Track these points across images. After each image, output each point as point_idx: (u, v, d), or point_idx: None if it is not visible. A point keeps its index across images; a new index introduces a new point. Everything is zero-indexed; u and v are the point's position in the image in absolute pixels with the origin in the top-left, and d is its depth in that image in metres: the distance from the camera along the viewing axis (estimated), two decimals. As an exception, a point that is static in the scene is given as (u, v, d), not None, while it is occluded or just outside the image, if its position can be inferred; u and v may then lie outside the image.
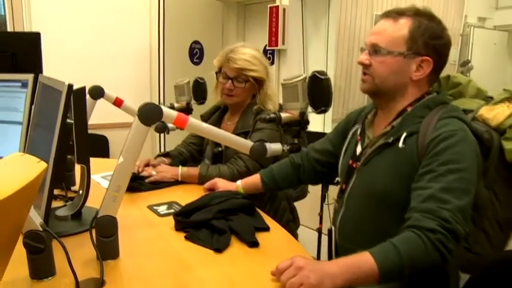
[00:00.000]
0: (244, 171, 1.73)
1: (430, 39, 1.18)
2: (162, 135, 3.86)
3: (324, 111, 1.50)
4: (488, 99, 1.33)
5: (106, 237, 1.06)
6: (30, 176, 0.63)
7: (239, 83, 1.80)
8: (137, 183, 1.67)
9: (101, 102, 2.16)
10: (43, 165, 0.67)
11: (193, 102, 2.23)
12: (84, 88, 1.17)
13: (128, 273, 1.05)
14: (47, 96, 1.22)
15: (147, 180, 1.71)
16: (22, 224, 0.72)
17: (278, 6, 3.36)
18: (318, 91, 1.47)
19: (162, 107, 1.14)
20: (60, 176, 1.50)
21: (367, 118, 1.37)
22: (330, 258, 1.46)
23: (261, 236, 1.23)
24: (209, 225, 1.25)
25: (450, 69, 3.73)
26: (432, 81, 1.25)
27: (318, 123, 3.36)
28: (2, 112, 1.51)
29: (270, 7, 3.44)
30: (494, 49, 4.41)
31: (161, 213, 1.42)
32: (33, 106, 1.33)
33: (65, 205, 1.39)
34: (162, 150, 3.88)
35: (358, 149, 1.32)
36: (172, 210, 1.42)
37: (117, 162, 1.08)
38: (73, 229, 1.23)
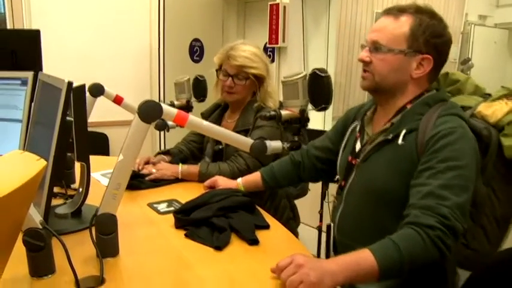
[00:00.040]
0: (244, 169, 1.73)
1: (431, 37, 1.18)
2: (162, 133, 3.86)
3: (324, 109, 1.50)
4: (486, 96, 1.34)
5: (106, 234, 1.06)
6: (30, 174, 0.62)
7: (239, 80, 1.80)
8: (137, 181, 1.66)
9: (100, 99, 2.16)
10: (43, 162, 0.67)
11: (193, 100, 2.23)
12: (84, 86, 1.17)
13: (128, 271, 1.05)
14: (46, 94, 1.22)
15: (147, 178, 1.71)
16: (22, 221, 0.72)
17: (278, 3, 3.36)
18: (318, 88, 1.47)
19: (162, 104, 1.14)
20: (60, 173, 1.50)
21: (366, 115, 1.37)
22: (327, 253, 1.46)
23: (261, 234, 1.22)
24: (209, 223, 1.25)
25: (451, 67, 3.74)
26: (432, 79, 1.25)
27: (318, 120, 3.36)
28: (2, 110, 1.51)
29: (270, 4, 3.44)
30: (494, 47, 4.41)
31: (161, 211, 1.42)
32: (32, 104, 1.33)
33: (64, 203, 1.39)
34: (162, 148, 3.87)
35: (358, 146, 1.33)
36: (172, 208, 1.42)
37: (117, 160, 1.08)
38: (73, 227, 1.23)
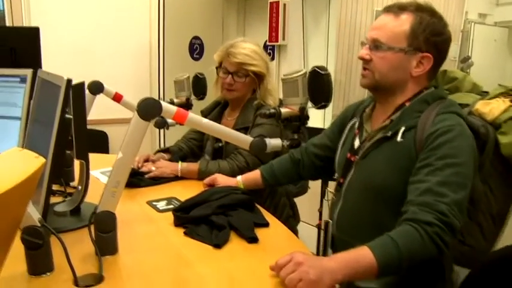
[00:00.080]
0: (244, 166, 1.73)
1: (431, 36, 1.18)
2: (161, 130, 3.86)
3: (324, 107, 1.50)
4: (483, 94, 1.35)
5: (105, 232, 1.06)
6: (29, 171, 0.62)
7: (239, 77, 1.80)
8: (136, 179, 1.66)
9: (100, 97, 2.16)
10: (41, 160, 0.67)
11: (193, 97, 2.22)
12: (83, 83, 1.17)
13: (127, 268, 1.05)
14: (45, 91, 1.22)
15: (146, 176, 1.71)
16: (20, 219, 0.72)
17: (278, 1, 3.36)
18: (318, 86, 1.47)
19: (162, 102, 1.14)
20: (59, 171, 1.49)
21: (365, 112, 1.37)
22: (324, 250, 1.46)
23: (260, 232, 1.22)
24: (208, 220, 1.24)
25: (450, 65, 3.73)
26: (431, 77, 1.26)
27: (318, 118, 3.36)
28: (1, 107, 1.50)
29: (270, 2, 3.43)
30: (494, 45, 4.40)
31: (160, 208, 1.41)
32: (32, 101, 1.32)
33: (63, 201, 1.39)
34: (162, 145, 3.88)
35: (356, 143, 1.33)
36: (171, 206, 1.42)
37: (117, 158, 1.08)
38: (72, 225, 1.22)
